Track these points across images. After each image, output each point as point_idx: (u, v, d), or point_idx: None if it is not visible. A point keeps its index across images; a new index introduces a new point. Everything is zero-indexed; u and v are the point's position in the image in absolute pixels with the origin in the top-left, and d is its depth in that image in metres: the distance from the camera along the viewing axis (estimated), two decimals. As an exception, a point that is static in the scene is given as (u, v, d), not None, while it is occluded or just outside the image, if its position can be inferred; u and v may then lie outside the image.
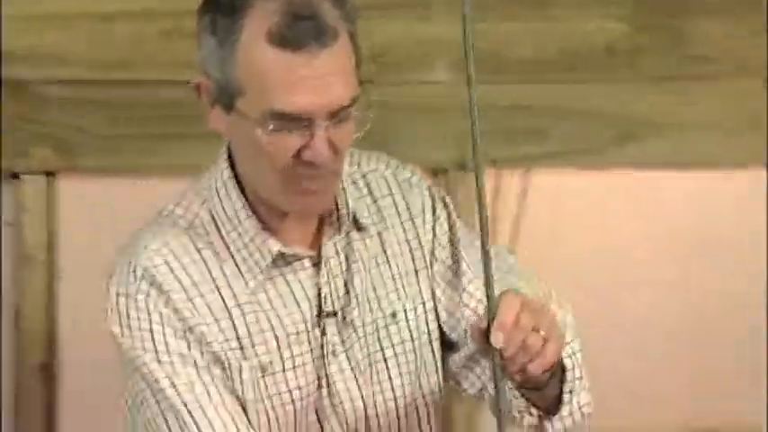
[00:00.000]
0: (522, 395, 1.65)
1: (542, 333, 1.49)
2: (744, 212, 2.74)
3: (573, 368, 1.65)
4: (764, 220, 2.74)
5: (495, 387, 1.49)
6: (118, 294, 1.63)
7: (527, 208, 2.44)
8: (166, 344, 1.62)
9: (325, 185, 1.60)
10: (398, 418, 1.74)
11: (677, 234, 2.75)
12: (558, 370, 1.63)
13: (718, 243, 2.75)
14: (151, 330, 1.62)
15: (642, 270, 2.73)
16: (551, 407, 1.66)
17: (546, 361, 1.50)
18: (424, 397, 1.74)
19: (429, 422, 1.76)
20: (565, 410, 1.66)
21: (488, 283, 1.49)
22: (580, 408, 1.67)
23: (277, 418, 1.67)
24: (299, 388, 1.67)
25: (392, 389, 1.72)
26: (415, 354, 1.73)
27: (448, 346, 1.76)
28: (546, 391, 1.64)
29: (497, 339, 1.45)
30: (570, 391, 1.65)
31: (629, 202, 2.75)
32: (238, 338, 1.64)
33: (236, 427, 1.62)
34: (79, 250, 2.61)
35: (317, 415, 1.69)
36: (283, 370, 1.66)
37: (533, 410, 1.67)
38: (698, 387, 2.79)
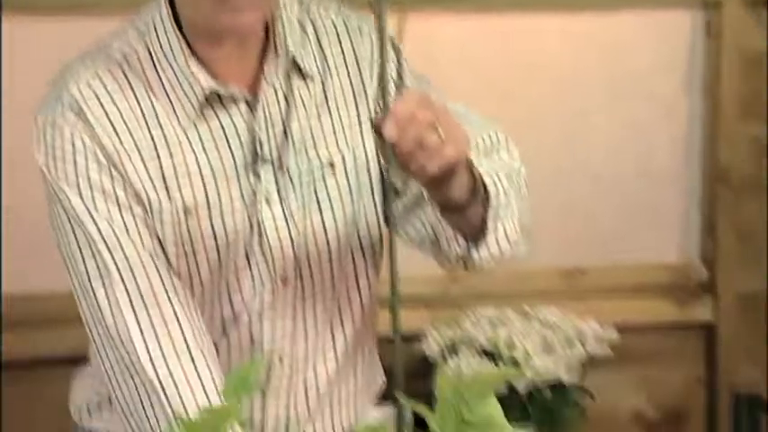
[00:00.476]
0: (446, 218, 1.59)
1: (441, 132, 1.43)
2: (626, 55, 2.70)
3: (497, 195, 1.58)
4: (647, 63, 2.71)
5: (387, 180, 1.42)
6: (44, 124, 1.61)
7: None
8: (89, 178, 1.59)
9: (256, 2, 1.54)
10: (332, 270, 1.70)
11: (557, 80, 2.70)
12: (481, 191, 1.56)
13: (600, 87, 2.70)
14: (75, 162, 1.59)
15: (522, 119, 2.67)
16: (478, 234, 1.60)
17: (443, 159, 1.44)
18: (362, 249, 1.70)
19: (367, 275, 1.74)
20: (490, 237, 1.60)
21: (383, 84, 1.40)
22: (507, 235, 1.61)
23: (197, 264, 1.63)
24: (226, 234, 1.63)
25: (327, 241, 1.67)
26: (354, 205, 1.68)
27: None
28: (468, 214, 1.57)
29: (389, 130, 1.39)
30: (495, 218, 1.59)
31: (506, 46, 2.68)
32: (164, 178, 1.60)
33: (155, 264, 1.60)
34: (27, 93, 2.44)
35: (248, 260, 1.64)
36: (209, 215, 1.62)
37: (461, 240, 1.61)
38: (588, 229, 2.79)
